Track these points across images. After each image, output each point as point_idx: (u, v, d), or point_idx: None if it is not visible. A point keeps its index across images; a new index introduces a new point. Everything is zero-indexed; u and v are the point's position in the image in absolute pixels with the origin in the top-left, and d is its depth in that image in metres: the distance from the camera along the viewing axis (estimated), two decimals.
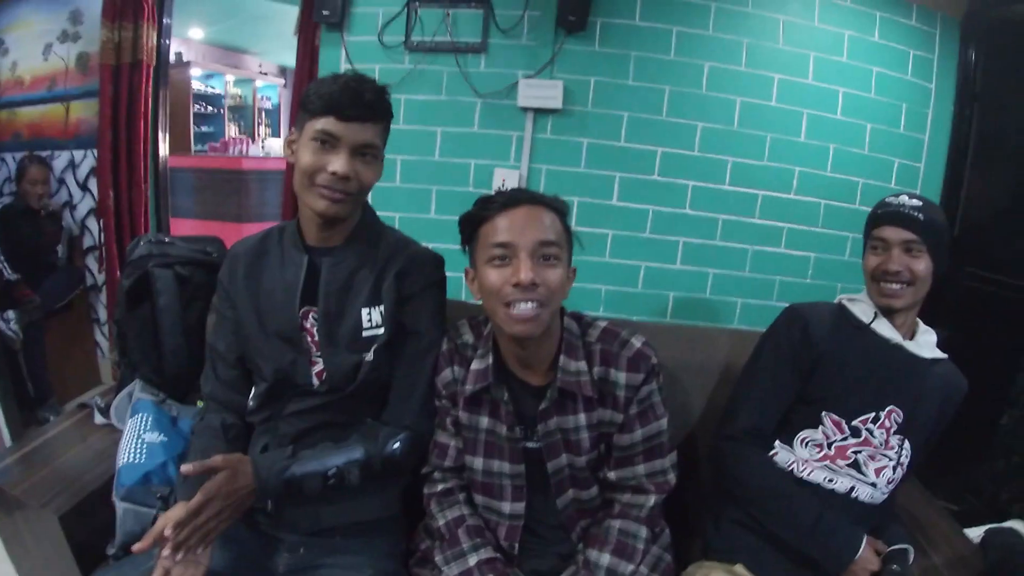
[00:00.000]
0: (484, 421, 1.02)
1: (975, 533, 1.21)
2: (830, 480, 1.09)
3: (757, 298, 1.92)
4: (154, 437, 1.26)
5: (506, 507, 1.04)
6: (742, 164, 1.86)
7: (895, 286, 1.09)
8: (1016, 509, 1.28)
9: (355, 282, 1.05)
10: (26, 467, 1.26)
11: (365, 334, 1.04)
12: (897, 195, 1.11)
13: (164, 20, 2.33)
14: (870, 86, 1.88)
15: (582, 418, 1.00)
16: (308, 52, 2.06)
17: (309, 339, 1.05)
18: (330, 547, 1.04)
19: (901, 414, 1.08)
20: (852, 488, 1.09)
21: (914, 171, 1.93)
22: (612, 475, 1.02)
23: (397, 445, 1.04)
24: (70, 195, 2.50)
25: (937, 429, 1.12)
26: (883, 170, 1.91)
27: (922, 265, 1.06)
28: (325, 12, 1.93)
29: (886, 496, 1.11)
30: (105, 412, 1.42)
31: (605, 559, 0.97)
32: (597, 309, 1.90)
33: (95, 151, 2.35)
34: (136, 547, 0.83)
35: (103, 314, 2.50)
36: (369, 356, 1.04)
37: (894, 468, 1.09)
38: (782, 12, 1.83)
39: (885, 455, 1.09)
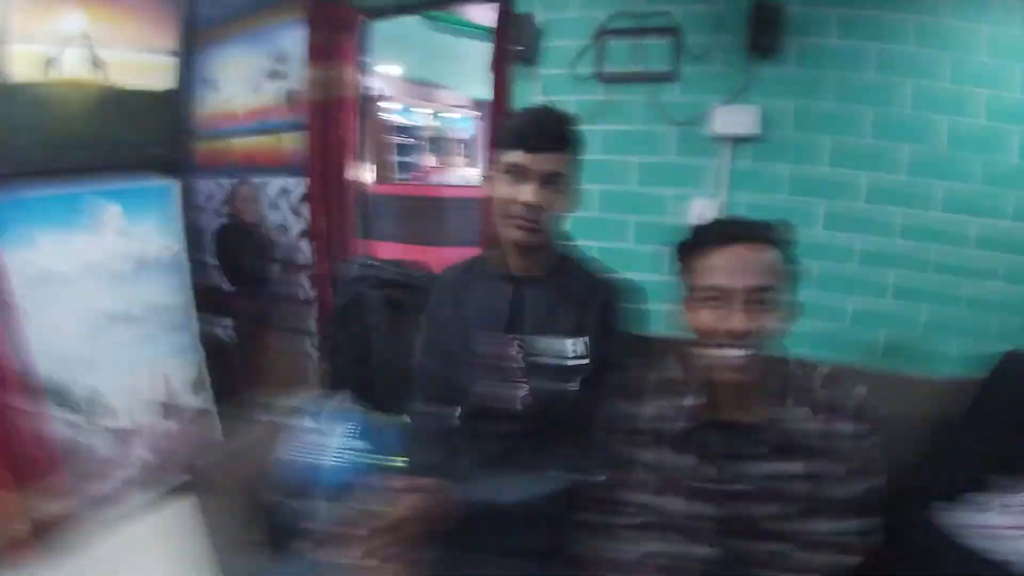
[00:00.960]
0: (685, 459, 0.98)
1: None
2: (1004, 549, 0.98)
3: (974, 338, 1.77)
4: (358, 445, 1.38)
5: (699, 551, 0.96)
6: (953, 188, 1.77)
7: None
8: None
9: (559, 311, 1.10)
10: (234, 460, 1.39)
11: (569, 363, 1.08)
12: None
13: (364, 59, 2.57)
14: None
15: (793, 467, 0.93)
16: (501, 86, 2.18)
17: (513, 366, 1.09)
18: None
19: None
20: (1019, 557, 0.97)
21: None
22: (803, 528, 0.94)
23: (589, 479, 1.04)
24: (284, 218, 2.83)
25: None
26: None
27: None
28: (518, 47, 2.05)
29: None
30: (313, 417, 1.52)
31: None
32: (803, 348, 1.89)
33: (306, 179, 2.64)
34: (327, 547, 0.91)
35: (313, 326, 2.83)
36: (573, 385, 1.08)
37: None
38: (985, 21, 1.72)
39: None
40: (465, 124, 7.68)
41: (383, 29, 2.63)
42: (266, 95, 2.77)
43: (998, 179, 1.76)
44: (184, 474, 1.41)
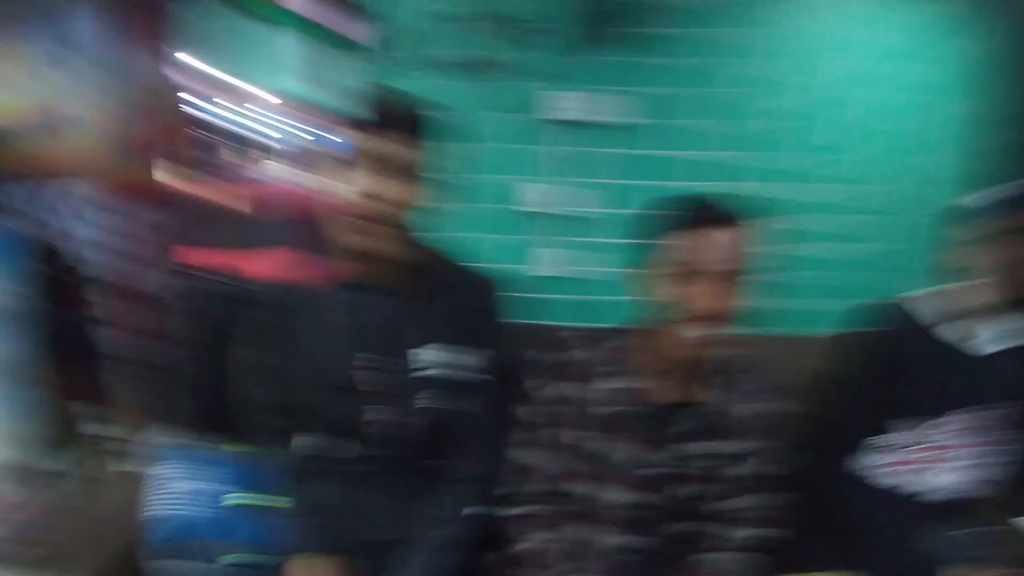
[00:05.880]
0: (602, 444, 0.97)
1: None
2: (901, 486, 1.12)
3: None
4: (190, 486, 1.18)
5: (611, 540, 0.99)
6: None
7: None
8: None
9: (410, 320, 0.98)
10: (97, 526, 1.18)
11: (422, 374, 0.97)
12: None
13: (167, 47, 2.29)
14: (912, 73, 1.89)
15: (711, 445, 0.98)
16: (322, 76, 2.04)
17: (362, 387, 0.98)
18: None
19: (974, 413, 1.10)
20: (926, 490, 1.12)
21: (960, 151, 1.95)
22: (716, 507, 1.00)
23: (471, 510, 1.00)
24: (71, 227, 2.43)
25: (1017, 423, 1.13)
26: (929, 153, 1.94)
27: None
28: (338, 36, 1.94)
29: (967, 494, 1.14)
30: (127, 456, 1.36)
31: None
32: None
33: (102, 182, 2.28)
34: None
35: (119, 351, 2.43)
36: (435, 399, 0.98)
37: (974, 469, 1.12)
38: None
39: (959, 456, 1.11)
40: (269, 118, 7.26)
41: (186, 15, 2.38)
42: (52, 87, 2.39)
43: (817, 150, 1.88)
44: (42, 549, 1.15)
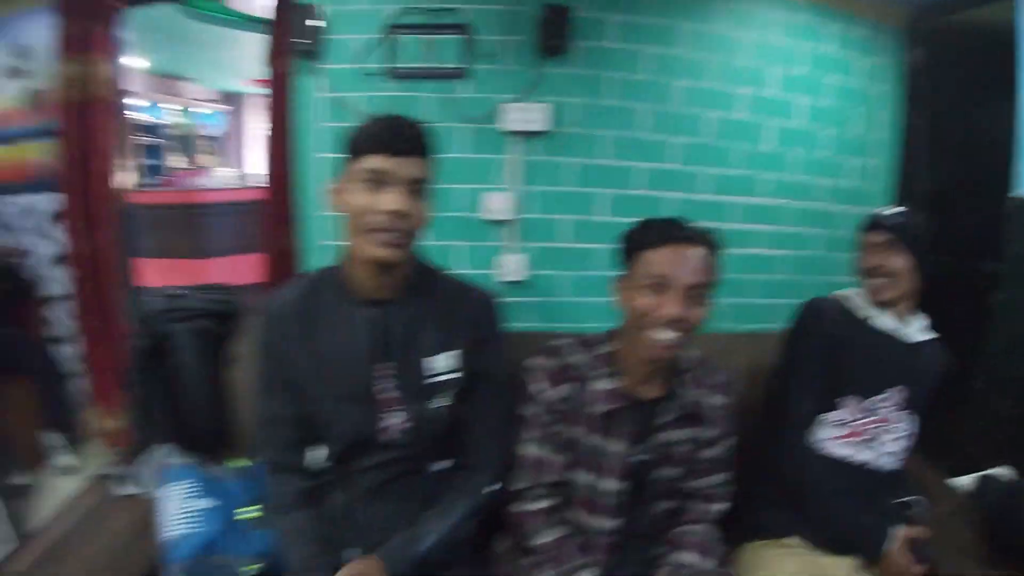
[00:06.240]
0: (599, 439, 1.09)
1: (964, 482, 1.40)
2: (852, 456, 1.26)
3: (745, 297, 2.06)
4: (204, 503, 1.21)
5: (607, 523, 1.11)
6: (717, 174, 2.00)
7: (877, 281, 1.27)
8: (991, 461, 1.48)
9: (422, 330, 1.05)
10: (61, 555, 1.15)
11: (438, 379, 1.05)
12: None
13: (119, 51, 2.23)
14: (829, 94, 2.08)
15: (687, 433, 1.11)
16: (281, 80, 2.02)
17: (387, 395, 1.03)
18: None
19: (906, 391, 1.25)
20: (872, 459, 1.27)
21: (872, 168, 2.17)
22: (691, 486, 1.15)
23: (491, 488, 1.09)
24: (29, 243, 2.36)
25: (931, 400, 1.29)
26: (844, 170, 2.14)
27: (899, 262, 1.23)
28: (300, 40, 1.89)
29: (901, 462, 1.28)
30: (131, 482, 1.35)
31: (694, 559, 1.09)
32: (593, 321, 1.94)
33: (55, 194, 2.23)
34: None
35: (78, 368, 2.37)
36: (447, 401, 1.05)
37: (905, 439, 1.27)
38: (748, 29, 1.98)
39: (896, 428, 1.26)
40: (215, 120, 7.02)
41: (133, 18, 2.30)
42: (5, 97, 2.33)
43: (758, 163, 2.03)
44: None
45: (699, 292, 1.01)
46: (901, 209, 1.31)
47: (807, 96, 2.06)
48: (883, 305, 1.28)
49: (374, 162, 0.94)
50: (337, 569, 0.96)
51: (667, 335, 1.00)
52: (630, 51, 1.92)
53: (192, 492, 1.22)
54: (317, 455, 1.10)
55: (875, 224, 1.29)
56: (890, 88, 2.16)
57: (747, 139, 2.02)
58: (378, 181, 0.94)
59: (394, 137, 0.94)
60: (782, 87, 2.03)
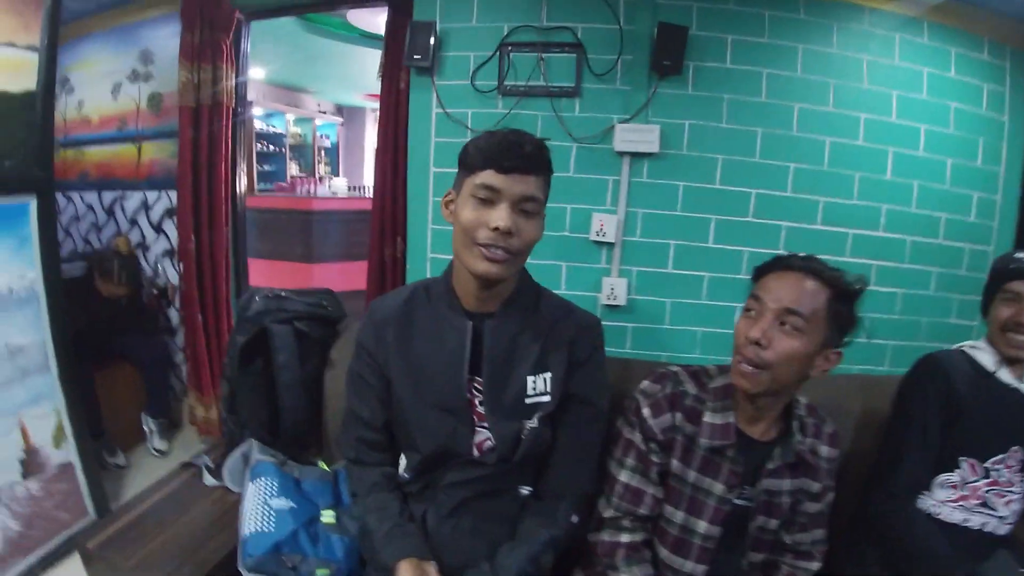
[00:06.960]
0: (701, 476, 1.03)
1: None
2: (966, 521, 1.19)
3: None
4: (281, 503, 1.21)
5: (689, 566, 1.04)
6: (832, 203, 1.90)
7: (1021, 337, 1.17)
8: None
9: (518, 348, 1.02)
10: (138, 535, 1.20)
11: (529, 401, 1.01)
12: None
13: (241, 61, 2.34)
14: (948, 121, 1.94)
15: (794, 483, 1.03)
16: (393, 95, 2.08)
17: (478, 409, 1.01)
18: None
19: (1022, 452, 1.18)
20: (984, 524, 1.19)
21: (991, 203, 2.01)
22: (789, 539, 1.07)
23: (576, 518, 1.04)
24: (143, 236, 2.49)
25: None
26: (963, 204, 1.99)
27: None
28: (416, 56, 1.93)
29: (1012, 525, 1.21)
30: (216, 473, 1.38)
31: None
32: (694, 351, 1.93)
33: (170, 192, 2.34)
34: None
35: (180, 357, 2.49)
36: (534, 424, 1.01)
37: (1018, 501, 1.19)
38: (865, 52, 1.88)
39: (1011, 491, 1.18)
40: (330, 131, 7.26)
41: (256, 30, 2.43)
42: (126, 99, 2.46)
43: (871, 194, 1.91)
44: (135, 558, 1.15)
45: (790, 320, 0.94)
46: None
47: (926, 124, 1.93)
48: (1014, 363, 1.20)
49: (485, 178, 0.93)
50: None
51: (747, 367, 0.96)
52: (745, 72, 1.85)
53: (273, 490, 1.23)
54: (402, 463, 1.10)
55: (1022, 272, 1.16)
56: (1016, 118, 2.00)
57: (863, 167, 1.91)
58: (489, 197, 0.93)
59: (506, 154, 0.92)
60: (900, 113, 1.92)
